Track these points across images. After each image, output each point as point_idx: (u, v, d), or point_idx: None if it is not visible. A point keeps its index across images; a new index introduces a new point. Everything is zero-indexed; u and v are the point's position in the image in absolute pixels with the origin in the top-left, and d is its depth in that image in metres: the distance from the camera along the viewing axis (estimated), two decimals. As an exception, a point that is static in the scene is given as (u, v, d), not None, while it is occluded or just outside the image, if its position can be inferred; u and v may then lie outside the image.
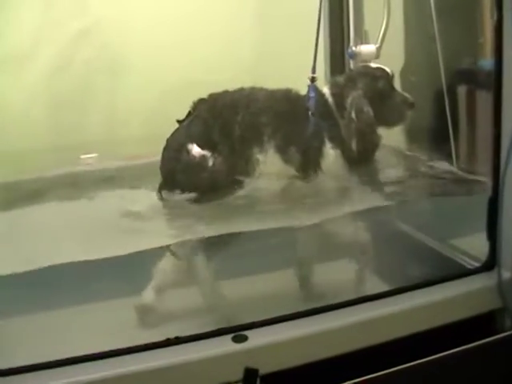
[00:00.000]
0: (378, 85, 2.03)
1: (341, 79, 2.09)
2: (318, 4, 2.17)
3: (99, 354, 1.57)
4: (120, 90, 2.58)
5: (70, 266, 1.68)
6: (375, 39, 2.31)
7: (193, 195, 1.97)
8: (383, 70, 2.07)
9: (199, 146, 1.95)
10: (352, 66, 2.50)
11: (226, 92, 2.03)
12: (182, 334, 1.66)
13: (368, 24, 2.55)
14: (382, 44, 2.29)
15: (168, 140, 2.03)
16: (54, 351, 1.60)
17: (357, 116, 1.97)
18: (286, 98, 2.03)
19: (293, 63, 2.57)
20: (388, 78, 2.05)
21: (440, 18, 2.22)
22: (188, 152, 1.95)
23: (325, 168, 2.00)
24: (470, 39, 2.22)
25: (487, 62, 1.99)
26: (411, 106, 2.06)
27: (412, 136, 2.41)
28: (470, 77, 2.23)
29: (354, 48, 2.38)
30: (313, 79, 2.07)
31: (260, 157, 1.96)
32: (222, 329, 1.68)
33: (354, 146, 1.98)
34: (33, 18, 2.44)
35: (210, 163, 1.94)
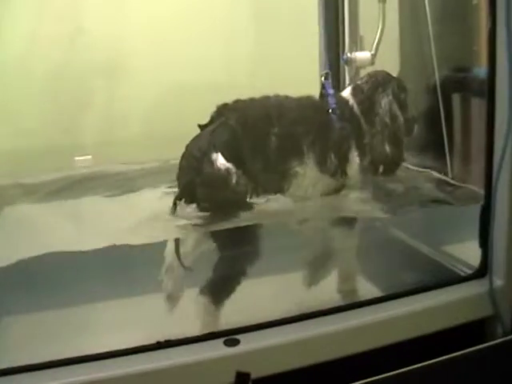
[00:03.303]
0: (401, 95, 2.02)
1: (364, 85, 2.00)
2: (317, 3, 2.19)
3: (89, 356, 1.58)
4: (117, 92, 2.58)
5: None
6: (370, 46, 2.33)
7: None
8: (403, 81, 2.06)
9: (226, 157, 1.77)
10: (347, 72, 2.52)
11: (253, 99, 1.90)
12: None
13: (363, 30, 2.56)
14: (377, 51, 2.31)
15: (188, 147, 1.85)
16: (43, 353, 1.60)
17: (391, 121, 1.95)
18: (314, 105, 1.95)
19: (289, 64, 2.59)
20: (407, 91, 2.05)
21: (435, 25, 2.23)
22: (212, 163, 1.77)
23: (350, 174, 1.94)
24: (466, 47, 2.23)
25: (482, 70, 2.00)
26: (416, 121, 2.06)
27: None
28: (464, 84, 2.24)
29: (349, 54, 2.39)
30: (327, 75, 2.04)
31: (299, 169, 1.86)
32: (214, 332, 1.69)
33: (387, 149, 1.94)
34: (29, 18, 2.44)
35: (235, 178, 1.77)
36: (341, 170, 1.92)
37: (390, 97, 1.97)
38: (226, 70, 2.65)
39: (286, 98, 1.93)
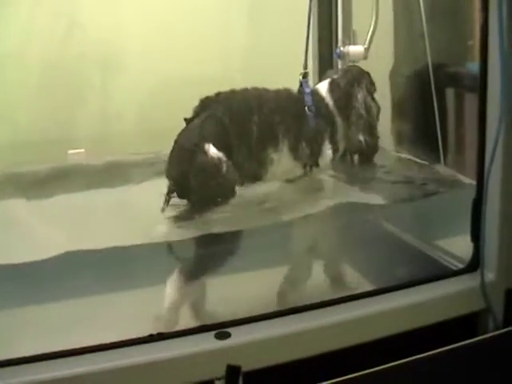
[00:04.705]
0: (372, 88, 2.15)
1: (341, 80, 2.13)
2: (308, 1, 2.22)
3: (81, 348, 1.58)
4: (111, 85, 2.58)
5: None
6: (364, 40, 2.33)
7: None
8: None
9: (216, 147, 1.84)
10: (340, 66, 2.52)
11: (234, 91, 1.98)
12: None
13: (357, 24, 2.56)
14: (371, 45, 2.31)
15: (178, 140, 1.90)
16: (37, 345, 1.61)
17: (367, 112, 2.09)
18: (291, 97, 2.05)
19: (283, 59, 2.60)
20: (375, 84, 2.18)
21: (430, 19, 2.23)
22: (205, 153, 1.83)
23: (322, 165, 2.06)
24: (460, 41, 2.24)
25: (474, 64, 2.00)
26: (379, 111, 2.19)
27: (400, 136, 2.43)
28: (457, 79, 2.24)
29: (342, 48, 2.39)
30: (305, 75, 2.12)
31: (275, 156, 1.96)
32: (205, 325, 1.69)
33: (363, 140, 2.08)
34: (25, 12, 2.44)
35: (225, 167, 1.84)
36: (313, 162, 2.04)
37: (365, 90, 2.12)
38: (221, 63, 2.65)
39: (265, 90, 2.02)
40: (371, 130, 2.11)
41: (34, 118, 2.47)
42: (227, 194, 1.87)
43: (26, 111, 2.47)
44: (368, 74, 2.18)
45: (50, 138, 2.47)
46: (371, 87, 2.15)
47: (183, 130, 1.93)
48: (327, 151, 2.05)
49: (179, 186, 1.88)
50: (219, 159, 1.83)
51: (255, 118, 1.93)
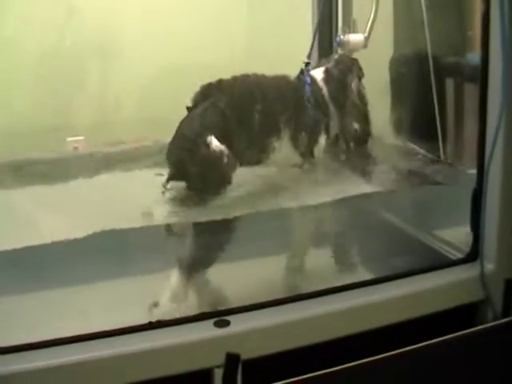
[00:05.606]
0: (361, 74, 2.19)
1: (334, 70, 2.15)
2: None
3: (80, 336, 1.58)
4: (110, 73, 2.57)
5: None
6: (364, 28, 2.32)
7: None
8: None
9: (217, 138, 1.83)
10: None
11: (234, 78, 1.96)
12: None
13: (356, 13, 2.56)
14: (371, 33, 2.31)
15: (181, 128, 1.90)
16: (37, 333, 1.61)
17: (361, 100, 2.15)
18: (290, 85, 2.06)
19: (283, 45, 2.60)
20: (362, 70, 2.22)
21: (430, 8, 2.22)
22: (207, 145, 1.83)
23: (316, 153, 2.08)
24: (460, 31, 2.23)
25: (475, 55, 1.99)
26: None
27: (398, 126, 2.43)
28: (457, 70, 2.23)
29: (341, 37, 2.39)
30: (307, 64, 2.14)
31: (276, 144, 1.97)
32: (204, 313, 1.69)
33: (358, 128, 2.13)
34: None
35: (226, 159, 1.84)
36: (309, 151, 2.06)
37: (357, 79, 2.15)
38: (220, 50, 2.64)
39: (263, 76, 2.02)
40: (364, 117, 2.15)
41: (32, 106, 2.46)
42: (225, 183, 1.88)
43: (23, 98, 2.46)
44: (357, 60, 2.21)
45: (49, 126, 2.45)
46: (361, 73, 2.18)
47: (185, 118, 1.92)
48: (321, 141, 2.08)
49: (178, 172, 1.88)
50: (221, 152, 1.83)
51: (258, 107, 1.92)
